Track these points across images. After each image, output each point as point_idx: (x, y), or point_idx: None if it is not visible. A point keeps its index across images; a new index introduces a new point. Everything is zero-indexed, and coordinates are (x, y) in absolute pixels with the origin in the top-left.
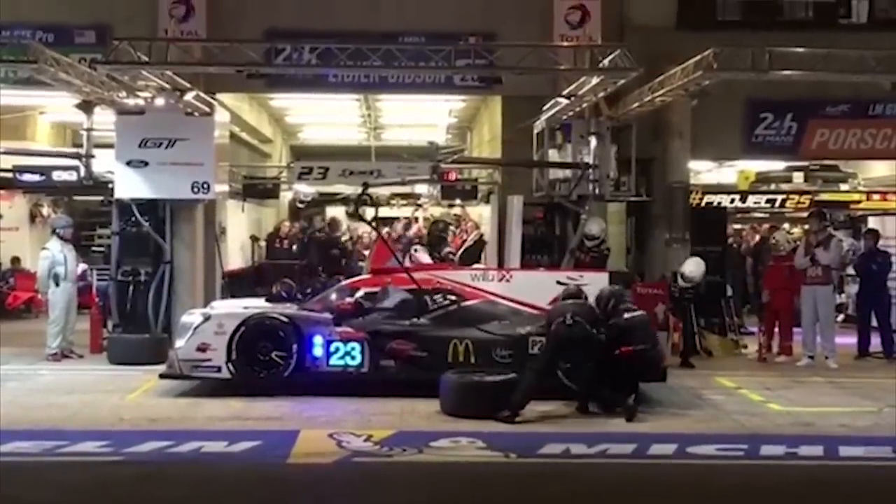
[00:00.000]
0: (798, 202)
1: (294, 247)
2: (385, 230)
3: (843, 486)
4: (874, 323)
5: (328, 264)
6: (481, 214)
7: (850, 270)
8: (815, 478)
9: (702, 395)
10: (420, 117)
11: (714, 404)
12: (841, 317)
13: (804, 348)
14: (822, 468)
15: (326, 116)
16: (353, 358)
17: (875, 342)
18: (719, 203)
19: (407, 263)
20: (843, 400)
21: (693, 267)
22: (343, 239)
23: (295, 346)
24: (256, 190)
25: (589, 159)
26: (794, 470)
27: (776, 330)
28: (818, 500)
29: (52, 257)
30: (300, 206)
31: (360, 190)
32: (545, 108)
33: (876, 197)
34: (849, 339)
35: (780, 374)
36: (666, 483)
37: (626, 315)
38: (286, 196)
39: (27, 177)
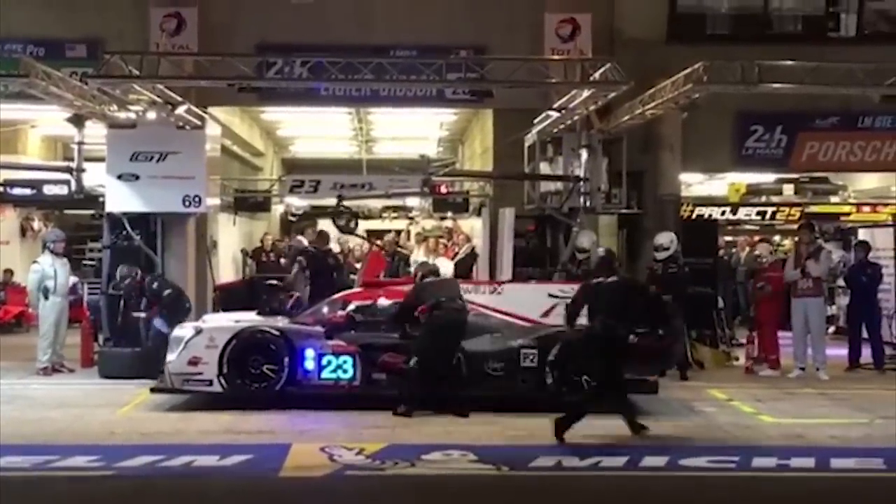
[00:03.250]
0: (788, 214)
1: (282, 260)
2: (377, 243)
3: (835, 498)
4: (865, 334)
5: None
6: (473, 227)
7: (841, 282)
8: (807, 490)
9: (693, 406)
10: (411, 130)
11: (706, 416)
12: (832, 328)
13: (795, 360)
14: (814, 480)
15: (318, 130)
16: (344, 371)
17: (865, 353)
18: (710, 215)
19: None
20: (834, 411)
21: (662, 236)
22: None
23: (286, 360)
24: (248, 203)
25: (580, 172)
26: (785, 482)
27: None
28: None
29: (41, 271)
30: (292, 219)
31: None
32: (536, 121)
33: (866, 209)
34: (839, 351)
35: (771, 385)
36: (658, 495)
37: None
38: (278, 209)
39: (18, 190)
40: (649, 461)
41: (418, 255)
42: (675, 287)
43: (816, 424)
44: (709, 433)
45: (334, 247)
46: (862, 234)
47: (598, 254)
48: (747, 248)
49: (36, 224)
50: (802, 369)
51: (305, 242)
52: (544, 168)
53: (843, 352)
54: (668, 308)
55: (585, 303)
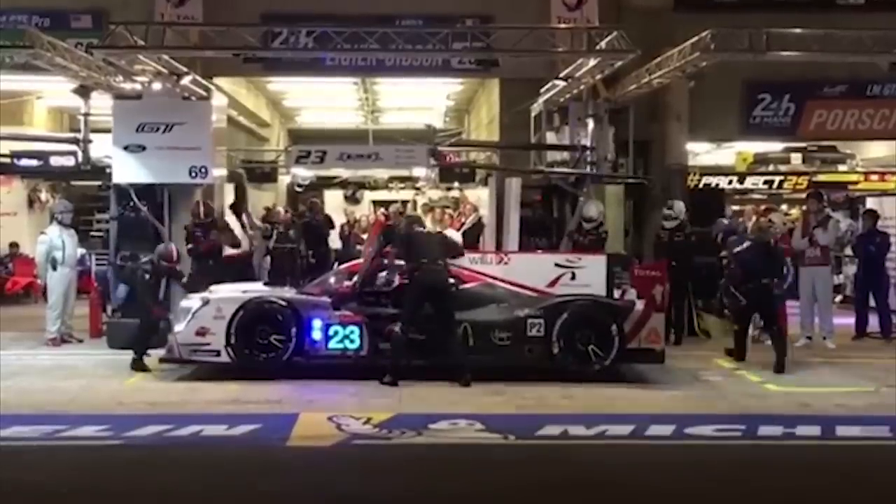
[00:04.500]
0: (796, 183)
1: (290, 231)
2: (381, 211)
3: (840, 466)
4: (872, 303)
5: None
6: (479, 197)
7: (849, 251)
8: (813, 458)
9: (700, 375)
10: (417, 100)
11: (712, 385)
12: (839, 297)
13: (802, 329)
14: (820, 448)
15: (324, 100)
16: (351, 341)
17: (872, 322)
18: (717, 184)
19: None
20: (840, 380)
21: (671, 206)
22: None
23: (294, 330)
24: (254, 174)
25: (587, 142)
26: (791, 450)
27: None
28: (815, 480)
29: (49, 242)
30: (298, 189)
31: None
32: (543, 90)
33: (874, 177)
34: (846, 320)
35: None
36: (664, 464)
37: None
38: (284, 180)
39: (25, 162)
40: (655, 430)
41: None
42: (682, 255)
43: (822, 393)
44: (715, 402)
45: (340, 217)
46: (870, 203)
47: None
48: (754, 217)
49: (43, 195)
50: (809, 338)
51: (283, 213)
52: (551, 138)
53: (850, 321)
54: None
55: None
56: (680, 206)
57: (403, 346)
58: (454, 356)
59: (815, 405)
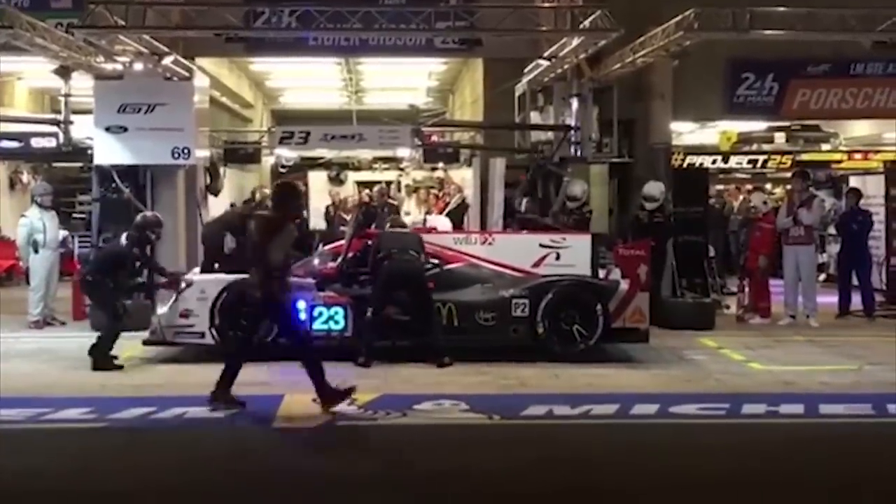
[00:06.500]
0: (780, 162)
1: None
2: (365, 192)
3: (824, 444)
4: (855, 282)
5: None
6: (464, 178)
7: (832, 230)
8: (796, 435)
9: (684, 354)
10: (401, 80)
11: (696, 364)
12: (822, 276)
13: (785, 308)
14: (803, 426)
15: (307, 80)
16: (336, 322)
17: (855, 301)
18: (701, 164)
19: None
20: (823, 358)
21: (652, 187)
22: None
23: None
24: (238, 155)
25: (571, 121)
26: (775, 428)
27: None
28: (799, 458)
29: (30, 224)
30: (282, 171)
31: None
32: (527, 70)
33: (857, 156)
34: (830, 299)
35: (761, 333)
36: (649, 442)
37: None
38: (268, 161)
39: (5, 143)
40: (640, 409)
41: (409, 206)
42: (661, 236)
43: (806, 371)
44: (699, 381)
45: (325, 199)
46: (853, 182)
47: None
48: (741, 197)
49: (24, 177)
50: (793, 317)
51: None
52: (535, 117)
53: (834, 299)
54: None
55: None
56: (658, 188)
57: (374, 328)
58: (433, 339)
59: (799, 383)
